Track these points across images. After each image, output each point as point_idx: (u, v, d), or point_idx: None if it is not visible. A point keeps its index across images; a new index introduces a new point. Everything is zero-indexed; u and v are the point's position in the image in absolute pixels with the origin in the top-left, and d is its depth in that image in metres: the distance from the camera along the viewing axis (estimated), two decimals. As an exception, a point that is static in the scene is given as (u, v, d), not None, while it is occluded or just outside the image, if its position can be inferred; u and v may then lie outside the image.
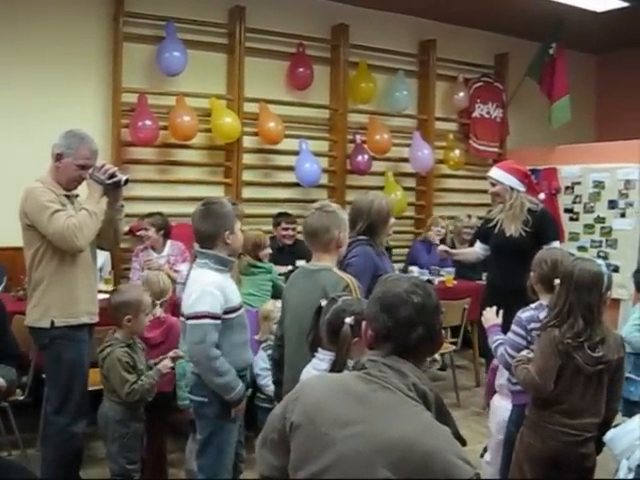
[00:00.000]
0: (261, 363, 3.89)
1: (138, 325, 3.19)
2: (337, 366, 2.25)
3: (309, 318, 2.50)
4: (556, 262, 2.90)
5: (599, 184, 6.64)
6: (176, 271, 4.68)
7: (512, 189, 4.25)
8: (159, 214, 5.08)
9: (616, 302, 5.83)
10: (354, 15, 6.45)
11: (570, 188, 6.94)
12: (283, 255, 5.25)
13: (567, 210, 6.94)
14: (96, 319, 3.27)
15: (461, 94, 7.17)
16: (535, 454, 2.66)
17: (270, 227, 5.68)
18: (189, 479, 3.36)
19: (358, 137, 6.52)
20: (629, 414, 3.18)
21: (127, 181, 3.23)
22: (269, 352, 3.77)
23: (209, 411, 2.84)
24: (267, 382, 3.77)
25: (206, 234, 2.86)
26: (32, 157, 3.89)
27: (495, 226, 4.31)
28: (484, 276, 5.07)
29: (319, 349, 2.42)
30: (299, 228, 4.95)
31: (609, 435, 2.56)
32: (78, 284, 3.13)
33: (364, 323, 1.69)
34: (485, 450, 3.48)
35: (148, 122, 5.42)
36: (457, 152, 7.12)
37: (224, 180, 6.04)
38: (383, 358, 1.58)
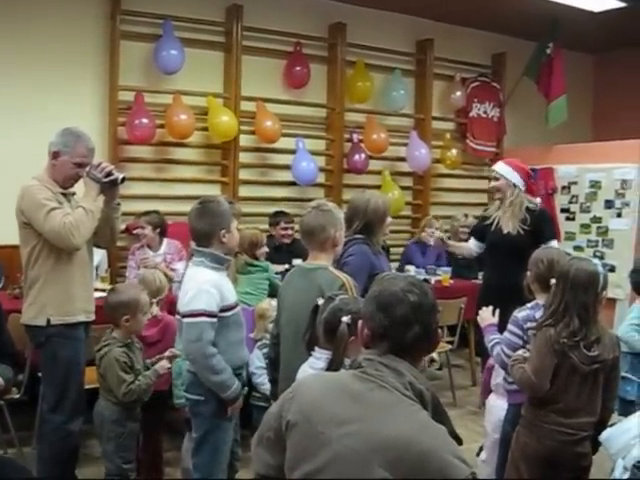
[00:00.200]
0: (256, 362, 3.90)
1: (136, 325, 3.17)
2: (334, 365, 2.25)
3: (305, 317, 2.51)
4: (552, 261, 2.90)
5: (596, 184, 6.65)
6: (172, 269, 4.69)
7: (515, 186, 4.24)
8: (156, 212, 5.07)
9: (612, 302, 5.84)
10: (351, 14, 6.44)
11: (567, 188, 6.95)
12: (280, 254, 5.25)
13: (563, 210, 6.95)
14: (92, 317, 3.27)
15: (458, 93, 7.18)
16: (531, 453, 2.66)
17: (267, 226, 5.68)
18: (185, 478, 3.35)
19: (355, 136, 6.52)
20: (625, 414, 3.19)
21: (124, 179, 3.23)
22: (264, 351, 3.78)
23: (205, 409, 2.84)
24: (262, 380, 3.78)
25: (202, 233, 2.86)
26: (29, 155, 3.88)
27: (492, 223, 4.31)
28: (480, 275, 5.08)
29: (316, 348, 2.43)
30: (297, 227, 4.96)
31: (605, 434, 2.56)
32: (74, 282, 3.13)
33: (360, 322, 1.69)
34: (481, 449, 3.48)
35: (145, 120, 5.41)
36: (454, 151, 7.12)
37: (221, 179, 6.03)
38: (379, 357, 1.58)
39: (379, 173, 6.69)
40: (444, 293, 5.11)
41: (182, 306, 2.82)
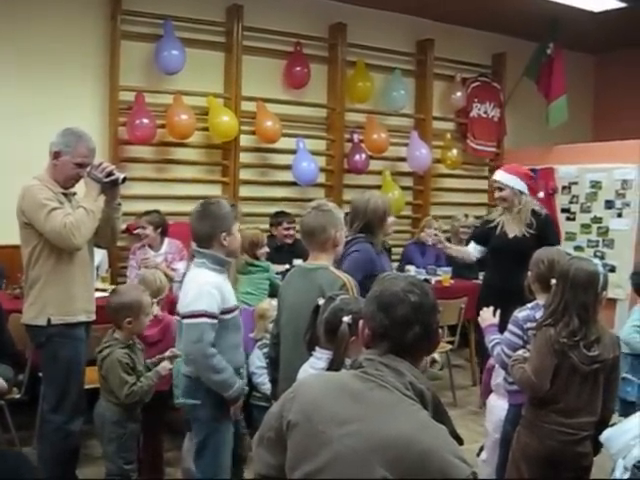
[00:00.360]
0: (257, 361, 3.89)
1: (139, 326, 3.16)
2: (335, 365, 2.25)
3: (305, 317, 2.51)
4: (553, 261, 2.90)
5: (596, 184, 6.65)
6: (173, 269, 4.69)
7: (521, 193, 4.24)
8: (156, 212, 5.07)
9: (612, 302, 5.84)
10: (352, 14, 6.45)
11: (567, 188, 6.94)
12: (281, 254, 5.25)
13: (564, 210, 6.95)
14: (93, 317, 3.27)
15: (458, 94, 7.18)
16: (532, 453, 2.66)
17: (267, 226, 5.68)
18: (186, 478, 3.35)
19: (355, 136, 6.52)
20: (626, 415, 3.17)
21: (124, 179, 3.23)
22: (264, 350, 3.77)
23: (202, 414, 2.83)
24: (263, 380, 3.78)
25: (202, 234, 2.85)
26: (29, 154, 3.89)
27: (496, 227, 4.30)
28: (480, 275, 5.07)
29: (317, 348, 2.43)
30: (298, 227, 4.96)
31: (605, 434, 2.56)
32: (75, 282, 3.13)
33: (361, 322, 1.69)
34: (482, 449, 3.48)
35: (145, 120, 5.41)
36: (454, 151, 7.13)
37: (221, 179, 6.04)
38: (380, 357, 1.58)
39: (379, 173, 6.69)
40: (444, 293, 5.11)
41: (182, 307, 2.81)
